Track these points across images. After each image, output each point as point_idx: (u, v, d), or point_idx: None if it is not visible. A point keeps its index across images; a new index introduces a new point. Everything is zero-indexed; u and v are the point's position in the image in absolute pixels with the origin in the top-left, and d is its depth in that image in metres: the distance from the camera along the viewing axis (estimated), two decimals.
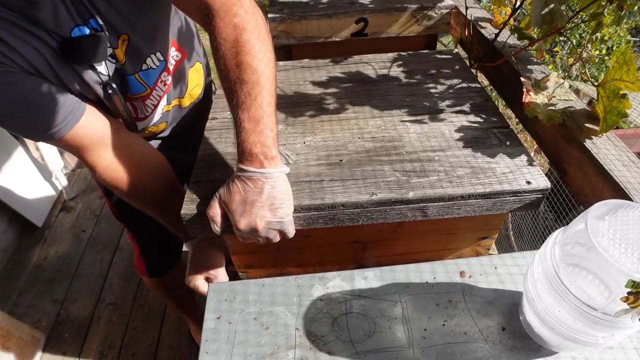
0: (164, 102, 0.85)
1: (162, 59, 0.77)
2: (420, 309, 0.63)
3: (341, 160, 0.70)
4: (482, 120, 0.78)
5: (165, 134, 0.95)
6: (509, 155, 0.70)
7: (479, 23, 1.10)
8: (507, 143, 0.72)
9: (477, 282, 0.66)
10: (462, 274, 0.68)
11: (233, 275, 0.83)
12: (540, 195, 0.65)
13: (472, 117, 0.79)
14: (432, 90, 0.87)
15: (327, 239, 0.75)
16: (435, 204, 0.64)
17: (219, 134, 0.77)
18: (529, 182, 0.64)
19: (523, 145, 0.71)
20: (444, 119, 0.78)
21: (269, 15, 1.04)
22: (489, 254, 0.82)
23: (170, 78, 0.83)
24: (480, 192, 0.64)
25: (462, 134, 0.74)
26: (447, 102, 0.83)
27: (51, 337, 1.61)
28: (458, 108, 0.82)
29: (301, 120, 0.80)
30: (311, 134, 0.76)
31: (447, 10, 1.06)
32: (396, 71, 0.94)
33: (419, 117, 0.79)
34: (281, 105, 0.84)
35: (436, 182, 0.65)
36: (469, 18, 1.01)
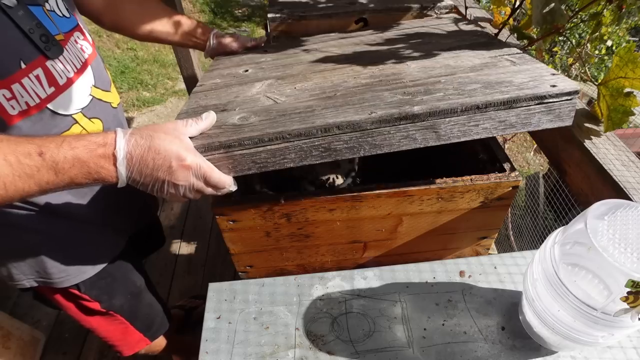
0: (89, 77, 0.73)
1: (69, 15, 0.70)
2: (420, 308, 0.63)
3: (335, 94, 0.63)
4: (491, 51, 0.70)
5: None
6: (526, 71, 0.61)
7: (479, 23, 1.10)
8: (522, 62, 0.64)
9: (476, 281, 0.66)
10: (461, 273, 0.68)
11: (233, 275, 0.83)
12: (570, 101, 0.55)
13: (479, 51, 0.71)
14: (435, 39, 0.81)
15: (327, 239, 0.75)
16: (448, 119, 0.55)
17: (205, 94, 0.74)
18: (554, 86, 0.55)
19: (541, 62, 0.63)
20: (448, 56, 0.71)
21: (269, 15, 1.04)
22: (489, 254, 0.82)
23: (89, 47, 0.74)
24: (498, 99, 0.54)
25: (469, 63, 0.67)
26: (451, 42, 0.77)
27: (51, 337, 1.61)
28: (463, 44, 0.75)
29: (292, 74, 0.74)
30: (302, 82, 0.70)
31: (447, 10, 1.06)
32: (398, 34, 0.89)
33: (421, 56, 0.72)
34: (272, 68, 0.81)
35: (445, 97, 0.56)
36: (469, 18, 1.01)
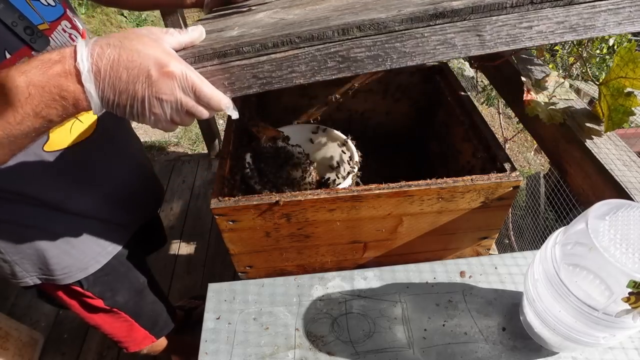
0: None
1: (55, 4, 0.66)
2: (420, 309, 0.62)
3: (354, 6, 0.53)
4: None
5: (102, 141, 0.75)
6: None
7: None
8: None
9: (477, 282, 0.66)
10: (462, 274, 0.67)
11: (233, 276, 0.83)
12: None
13: None
14: None
15: (327, 239, 0.75)
16: (495, 17, 0.45)
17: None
18: None
19: None
20: None
21: None
22: (489, 254, 0.82)
23: (79, 36, 0.72)
24: None
25: None
26: None
27: (50, 337, 1.61)
28: None
29: (302, 3, 0.65)
30: (314, 5, 0.61)
31: None
32: None
33: None
34: (279, 3, 0.71)
35: None
36: None
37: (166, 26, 1.74)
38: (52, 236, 0.75)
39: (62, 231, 0.76)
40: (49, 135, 0.66)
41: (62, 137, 0.68)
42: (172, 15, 1.72)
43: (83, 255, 0.80)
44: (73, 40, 0.70)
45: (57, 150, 0.68)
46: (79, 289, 0.83)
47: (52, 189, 0.71)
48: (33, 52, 0.61)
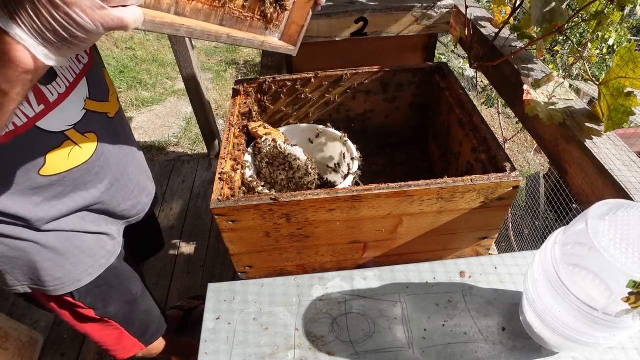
0: (83, 89, 0.69)
1: None
2: (420, 309, 0.62)
3: None
4: None
5: (98, 163, 0.73)
6: None
7: (479, 22, 1.10)
8: None
9: (477, 282, 0.66)
10: (462, 274, 0.67)
11: (233, 276, 0.83)
12: None
13: None
14: None
15: (327, 239, 0.75)
16: None
17: None
18: None
19: None
20: None
21: None
22: (489, 254, 0.82)
23: (86, 57, 0.70)
24: None
25: None
26: None
27: (50, 338, 1.61)
28: None
29: None
30: None
31: (447, 10, 1.05)
32: None
33: None
34: None
35: None
36: (469, 17, 1.01)
37: None
38: (44, 249, 0.74)
39: (54, 245, 0.74)
40: (46, 160, 0.64)
41: (60, 162, 0.67)
42: None
43: (75, 268, 0.79)
44: (79, 63, 0.68)
45: (53, 175, 0.66)
46: (70, 299, 0.82)
47: (43, 210, 0.69)
48: None
